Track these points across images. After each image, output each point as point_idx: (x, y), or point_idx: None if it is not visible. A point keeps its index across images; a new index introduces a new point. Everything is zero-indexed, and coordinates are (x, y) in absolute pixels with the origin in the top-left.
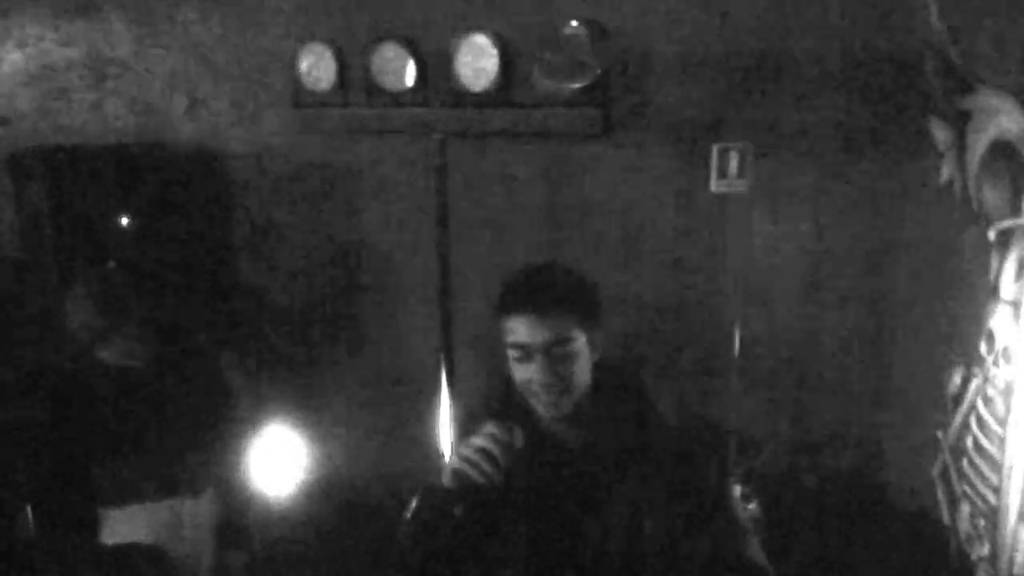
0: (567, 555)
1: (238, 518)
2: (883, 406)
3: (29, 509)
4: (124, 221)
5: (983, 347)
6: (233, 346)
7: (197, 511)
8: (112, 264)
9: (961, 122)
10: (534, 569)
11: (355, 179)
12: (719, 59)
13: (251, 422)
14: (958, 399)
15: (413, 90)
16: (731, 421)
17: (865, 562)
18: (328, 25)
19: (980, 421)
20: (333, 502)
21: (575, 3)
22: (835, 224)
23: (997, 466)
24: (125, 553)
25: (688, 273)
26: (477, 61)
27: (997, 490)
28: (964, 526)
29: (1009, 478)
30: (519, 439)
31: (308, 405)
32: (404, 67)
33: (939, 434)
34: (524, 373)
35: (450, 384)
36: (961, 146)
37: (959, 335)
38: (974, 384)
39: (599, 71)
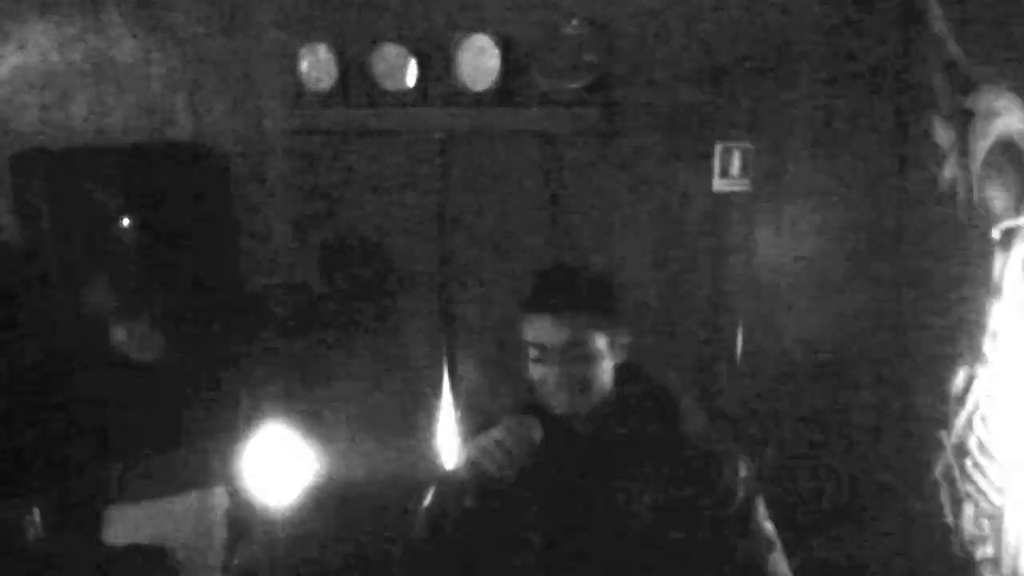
0: (582, 554)
1: (247, 510)
2: (886, 406)
3: (37, 511)
4: (125, 222)
5: (987, 347)
6: (235, 353)
7: (209, 504)
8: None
9: (963, 121)
10: (548, 564)
11: (355, 179)
12: (720, 59)
13: (255, 417)
14: (962, 399)
15: (414, 90)
16: (732, 421)
17: (867, 563)
18: (329, 25)
19: (984, 421)
20: (333, 501)
21: (576, 3)
22: (837, 224)
23: (1002, 467)
24: (132, 554)
25: (690, 273)
26: (478, 61)
27: (1002, 491)
28: (968, 527)
29: (1014, 479)
30: (537, 434)
31: (308, 405)
32: (405, 67)
33: (942, 434)
34: (541, 372)
35: (451, 383)
36: (964, 145)
37: (963, 335)
38: (978, 384)
39: (600, 71)
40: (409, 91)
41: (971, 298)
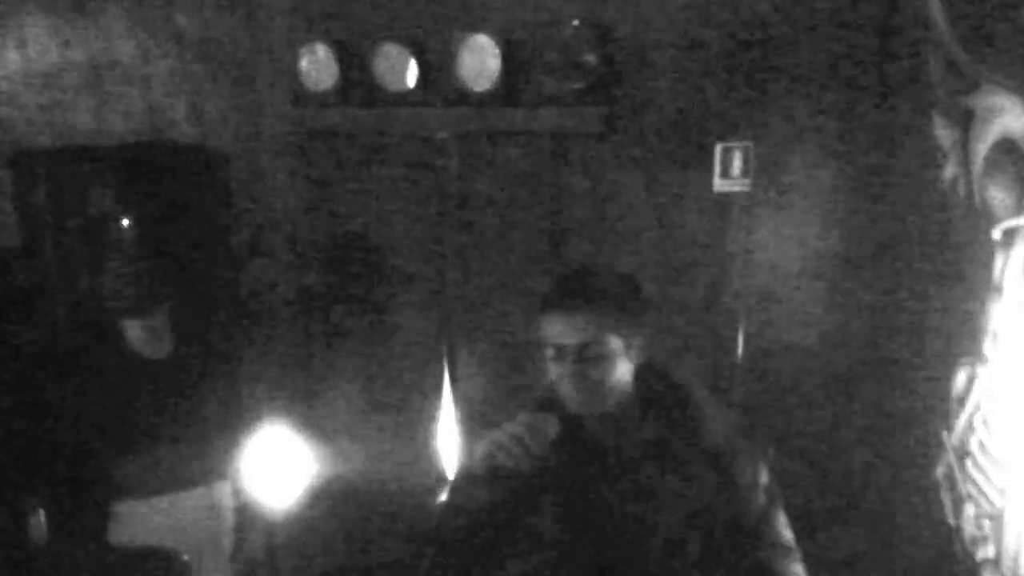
0: (597, 553)
1: (254, 504)
2: (887, 406)
3: (42, 512)
4: (125, 222)
5: (988, 347)
6: (239, 351)
7: (217, 498)
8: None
9: (965, 121)
10: (562, 561)
11: (356, 180)
12: (721, 58)
13: (259, 415)
14: (963, 399)
15: (415, 90)
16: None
17: (868, 563)
18: (329, 24)
19: (985, 422)
20: (333, 500)
21: (577, 3)
22: (838, 223)
23: (1003, 467)
24: (139, 556)
25: (691, 273)
26: (479, 61)
27: (1002, 491)
28: (969, 528)
29: (1015, 479)
30: (552, 431)
31: (307, 404)
32: (406, 67)
33: (944, 434)
34: (556, 371)
35: (452, 383)
36: (965, 145)
37: (964, 335)
38: (979, 384)
39: (601, 71)
40: (410, 91)
41: (972, 298)
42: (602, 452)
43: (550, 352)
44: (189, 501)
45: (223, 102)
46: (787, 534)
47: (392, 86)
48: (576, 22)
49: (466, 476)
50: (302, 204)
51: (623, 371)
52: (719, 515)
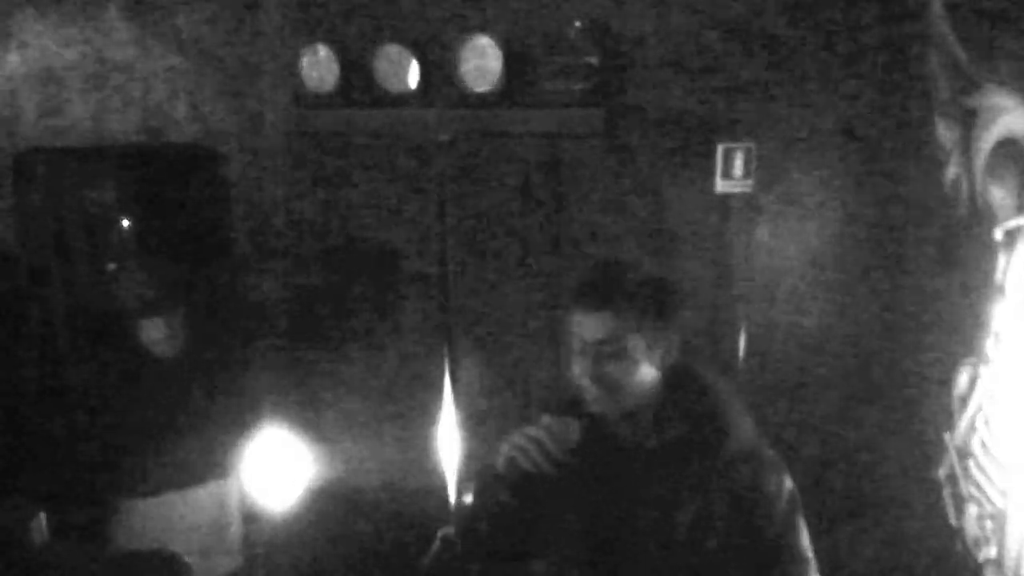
0: (619, 555)
1: (260, 500)
2: (889, 406)
3: (43, 515)
4: (125, 223)
5: (990, 347)
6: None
7: (226, 492)
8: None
9: (967, 121)
10: (583, 564)
11: (357, 181)
12: (722, 59)
13: (264, 413)
14: (965, 400)
15: (416, 91)
16: None
17: (870, 564)
18: (330, 25)
19: (987, 422)
20: (334, 501)
21: (578, 4)
22: (839, 224)
23: (1005, 468)
24: (139, 558)
25: (692, 274)
26: (480, 62)
27: (1005, 492)
28: (971, 528)
29: (1017, 480)
30: (574, 434)
31: (307, 405)
32: (407, 68)
33: (946, 435)
34: (577, 367)
35: (453, 384)
36: (967, 145)
37: (966, 335)
38: (981, 385)
39: (602, 72)
40: (411, 92)
41: (974, 299)
42: (625, 454)
43: (574, 347)
44: (197, 497)
45: (225, 104)
46: (808, 548)
47: (393, 87)
48: (577, 23)
49: (489, 478)
50: (303, 205)
51: (645, 372)
52: (741, 523)
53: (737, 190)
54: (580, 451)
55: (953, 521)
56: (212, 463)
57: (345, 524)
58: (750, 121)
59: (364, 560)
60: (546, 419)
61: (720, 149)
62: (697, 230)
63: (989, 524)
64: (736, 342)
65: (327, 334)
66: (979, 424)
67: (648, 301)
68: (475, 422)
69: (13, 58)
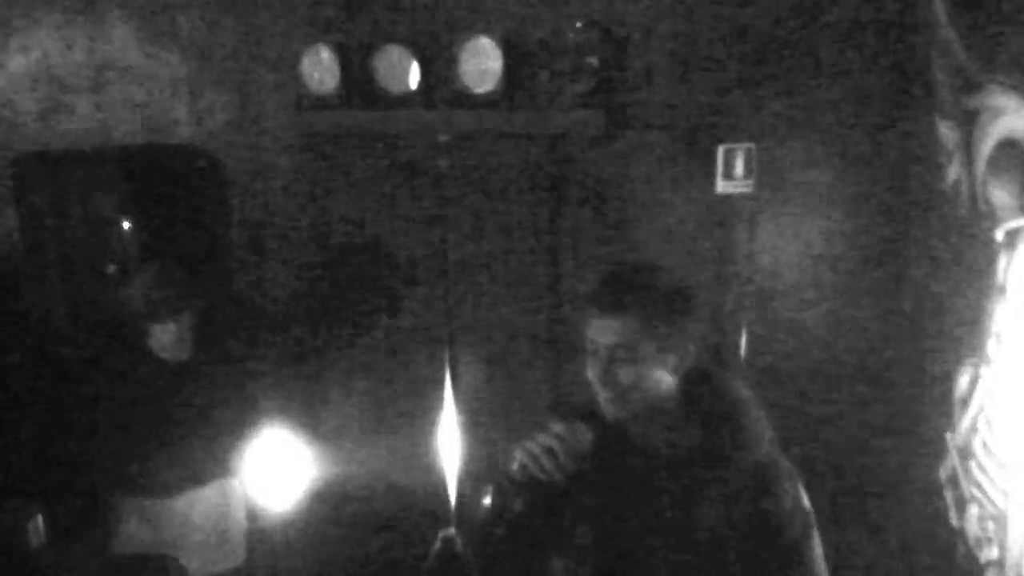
0: (634, 561)
1: (264, 499)
2: (891, 407)
3: (40, 517)
4: (126, 225)
5: (992, 348)
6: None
7: (230, 493)
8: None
9: (968, 121)
10: (601, 567)
11: (358, 182)
12: (722, 59)
13: (267, 415)
14: (967, 400)
15: (416, 92)
16: None
17: (871, 565)
18: (331, 27)
19: (989, 423)
20: (335, 501)
21: (578, 4)
22: (841, 225)
23: (1006, 468)
24: (136, 562)
25: (693, 274)
26: (481, 63)
27: (1006, 492)
28: (972, 529)
29: (1018, 481)
30: (585, 439)
31: (308, 405)
32: (408, 69)
33: (947, 436)
34: (591, 370)
35: (454, 384)
36: (968, 146)
37: (967, 336)
38: (983, 385)
39: (603, 73)
40: (412, 93)
41: (975, 299)
42: (640, 460)
43: (589, 348)
44: (201, 497)
45: (226, 105)
46: (819, 552)
47: (394, 88)
48: (578, 24)
49: (505, 483)
50: (304, 206)
51: (658, 377)
52: (754, 534)
53: (738, 191)
54: (593, 457)
55: (954, 522)
56: (216, 463)
57: (346, 524)
58: (751, 122)
59: (365, 560)
60: (557, 425)
61: (721, 150)
62: (698, 231)
63: (991, 525)
64: (737, 342)
65: (327, 335)
66: (980, 425)
67: (662, 307)
68: (475, 423)
69: (16, 62)
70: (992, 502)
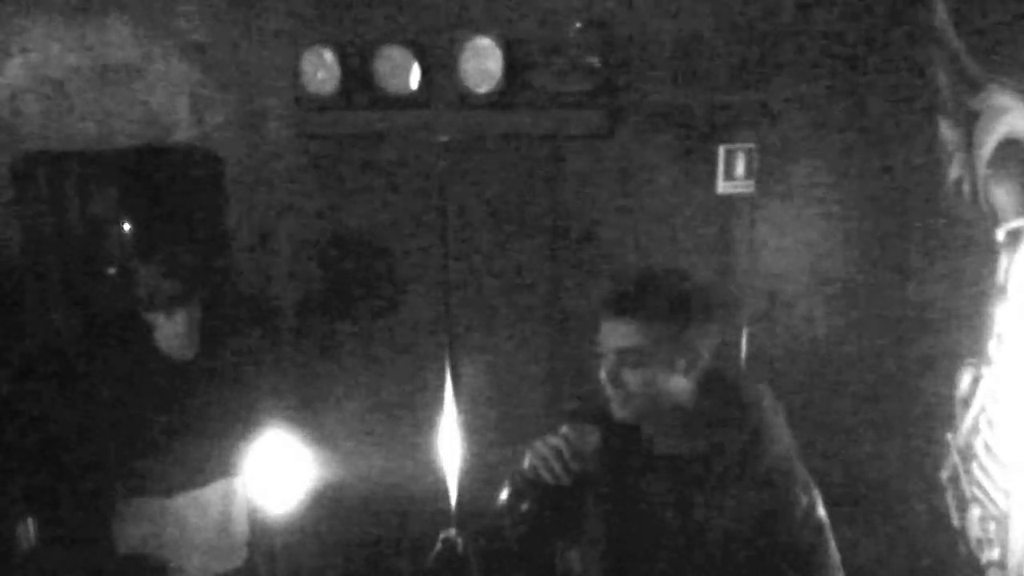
0: (644, 563)
1: (263, 497)
2: (892, 407)
3: (31, 520)
4: (127, 226)
5: (993, 348)
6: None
7: (232, 492)
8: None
9: (969, 122)
10: (608, 570)
11: (358, 182)
12: (723, 59)
13: (270, 414)
14: (968, 401)
15: (417, 93)
16: None
17: (873, 565)
18: (331, 28)
19: (990, 423)
20: (336, 501)
21: (578, 4)
22: (841, 225)
23: (1007, 469)
24: (128, 562)
25: (693, 275)
26: (481, 63)
27: (1008, 493)
28: (974, 529)
29: (1019, 481)
30: (592, 441)
31: (308, 405)
32: (408, 70)
33: (949, 436)
34: (602, 372)
35: (454, 384)
36: (969, 146)
37: (968, 336)
38: (984, 386)
39: (603, 73)
40: (412, 93)
41: (976, 300)
42: (653, 462)
43: (600, 350)
44: (203, 497)
45: (226, 106)
46: (835, 559)
47: (394, 88)
48: (578, 24)
49: (519, 482)
50: (305, 206)
51: (668, 380)
52: (768, 539)
53: (739, 191)
54: (603, 458)
55: (956, 522)
56: (218, 464)
57: (347, 524)
58: (751, 122)
59: (366, 560)
60: (565, 427)
61: (722, 150)
62: (699, 231)
63: (992, 525)
64: (738, 342)
65: (328, 334)
66: (982, 425)
67: (675, 314)
68: (475, 423)
69: (17, 63)
70: (994, 503)
